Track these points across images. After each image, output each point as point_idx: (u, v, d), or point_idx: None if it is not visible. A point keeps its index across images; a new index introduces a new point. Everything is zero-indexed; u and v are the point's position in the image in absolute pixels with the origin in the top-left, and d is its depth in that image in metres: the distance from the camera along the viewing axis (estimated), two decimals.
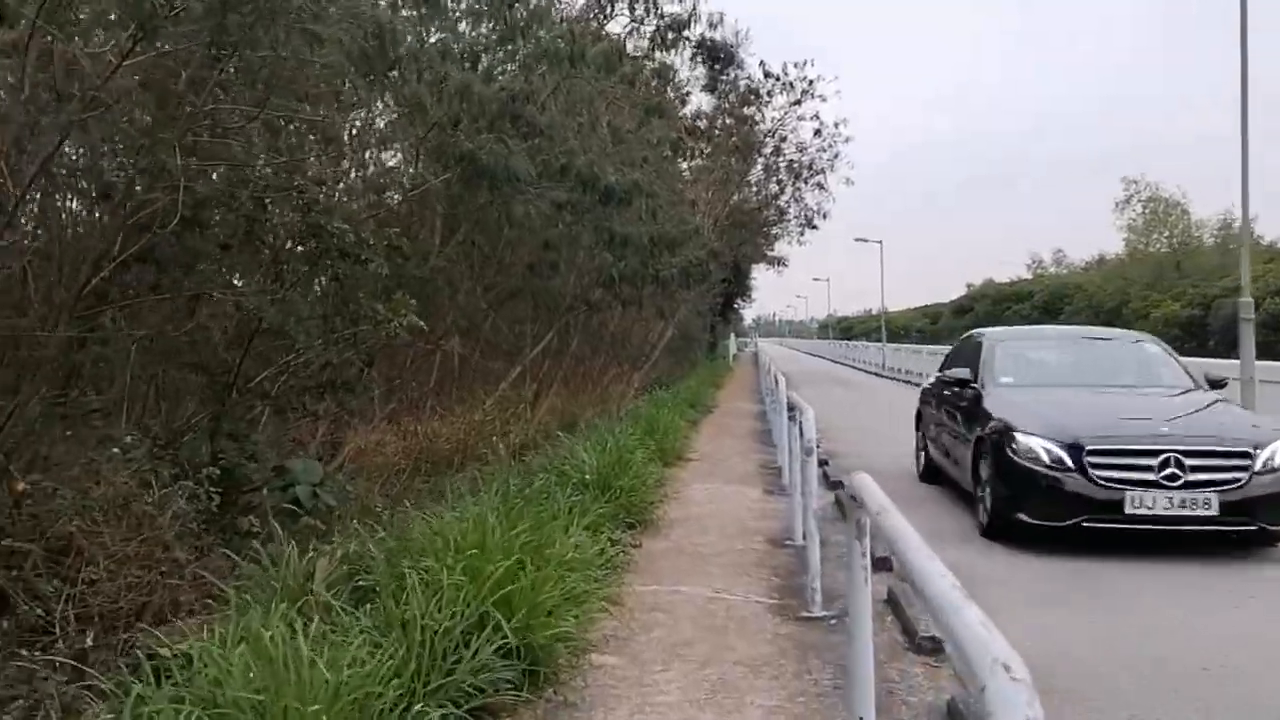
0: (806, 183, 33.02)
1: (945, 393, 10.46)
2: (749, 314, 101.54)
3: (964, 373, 9.82)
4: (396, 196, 13.16)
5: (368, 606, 4.35)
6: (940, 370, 11.59)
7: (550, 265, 13.42)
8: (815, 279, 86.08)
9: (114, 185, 7.26)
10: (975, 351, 10.17)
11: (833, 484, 10.06)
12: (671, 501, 9.31)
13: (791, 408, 7.55)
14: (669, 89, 23.49)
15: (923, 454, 11.39)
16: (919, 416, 11.85)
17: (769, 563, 6.84)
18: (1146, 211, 54.35)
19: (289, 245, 8.82)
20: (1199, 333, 43.32)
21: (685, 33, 16.38)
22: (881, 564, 6.53)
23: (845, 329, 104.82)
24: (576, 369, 23.60)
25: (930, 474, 10.95)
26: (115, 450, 6.46)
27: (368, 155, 12.77)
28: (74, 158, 7.45)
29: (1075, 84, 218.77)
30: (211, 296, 7.88)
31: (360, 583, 4.88)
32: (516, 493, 6.89)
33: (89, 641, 4.50)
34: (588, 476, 8.07)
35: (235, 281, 8.45)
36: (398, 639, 3.63)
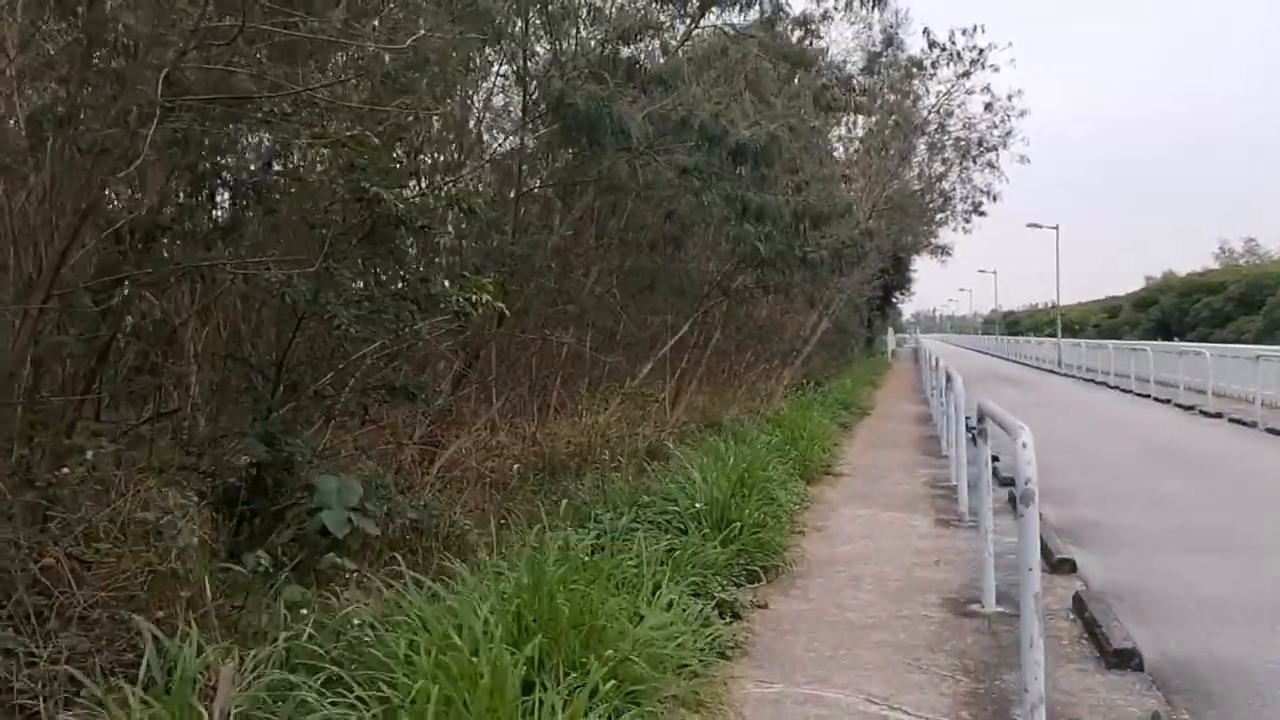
0: (975, 161, 30.01)
1: None
2: (908, 308, 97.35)
3: None
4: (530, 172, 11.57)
5: None
6: None
7: (674, 242, 11.50)
8: (981, 270, 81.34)
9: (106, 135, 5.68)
10: None
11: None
12: (813, 535, 7.25)
13: (980, 419, 5.39)
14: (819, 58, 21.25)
15: None
16: None
17: (951, 644, 4.73)
18: None
19: (328, 212, 7.23)
20: None
21: None
22: (1106, 643, 4.34)
23: (1011, 324, 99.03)
24: (720, 364, 21.97)
25: None
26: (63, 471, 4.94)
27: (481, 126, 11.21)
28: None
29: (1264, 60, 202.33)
30: (225, 273, 6.35)
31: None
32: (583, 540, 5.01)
33: None
34: (698, 505, 6.12)
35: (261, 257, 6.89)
36: None
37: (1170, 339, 51.73)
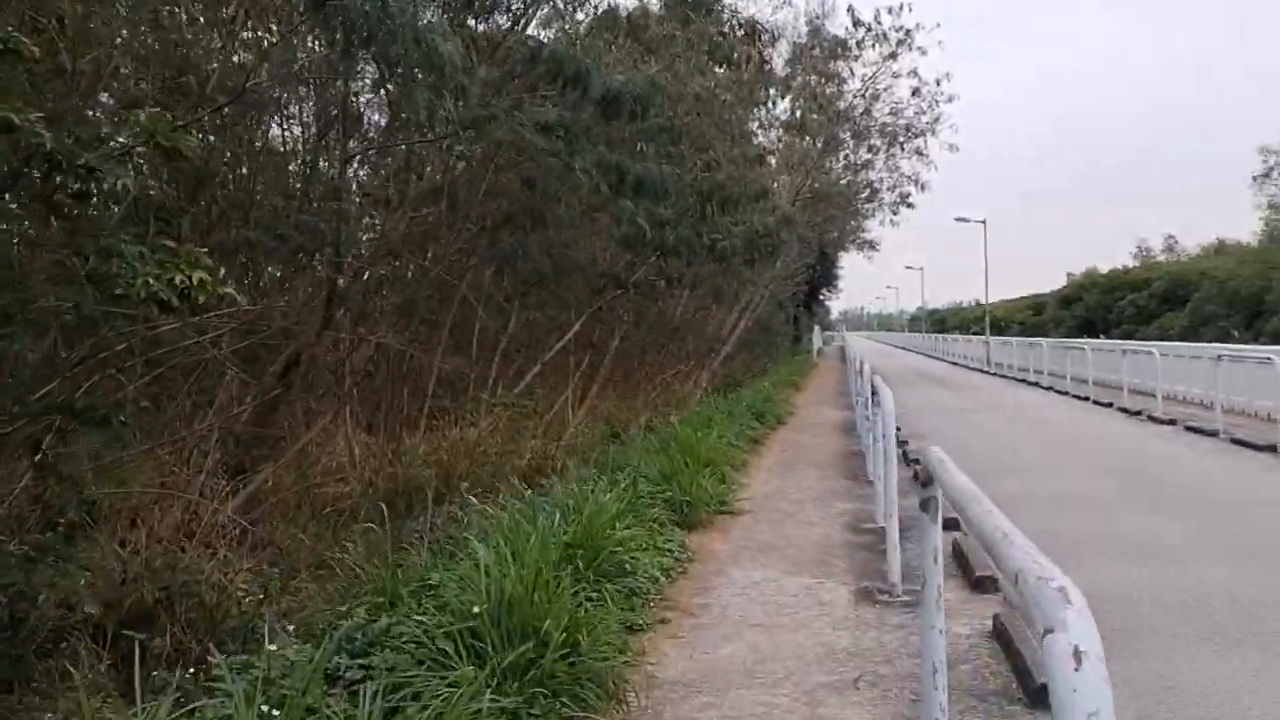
0: (903, 148, 28.19)
1: None
2: (836, 306, 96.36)
3: None
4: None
5: None
6: None
7: (532, 217, 9.20)
8: (908, 267, 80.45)
9: None
10: None
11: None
12: (678, 628, 5.00)
13: (927, 482, 3.16)
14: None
15: None
16: None
17: None
18: None
19: None
20: None
21: None
22: None
23: (937, 322, 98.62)
24: (631, 366, 20.06)
25: None
26: None
27: None
28: None
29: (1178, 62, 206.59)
30: None
31: None
32: None
33: None
34: (479, 608, 3.83)
35: None
36: None
37: (1095, 336, 50.87)
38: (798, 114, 27.13)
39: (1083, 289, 72.03)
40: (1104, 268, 75.49)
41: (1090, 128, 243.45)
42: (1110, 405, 18.31)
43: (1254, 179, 48.81)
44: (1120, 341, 29.11)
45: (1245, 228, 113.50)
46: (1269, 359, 13.60)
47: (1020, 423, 16.33)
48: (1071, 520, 7.57)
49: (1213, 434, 13.34)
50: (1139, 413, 16.71)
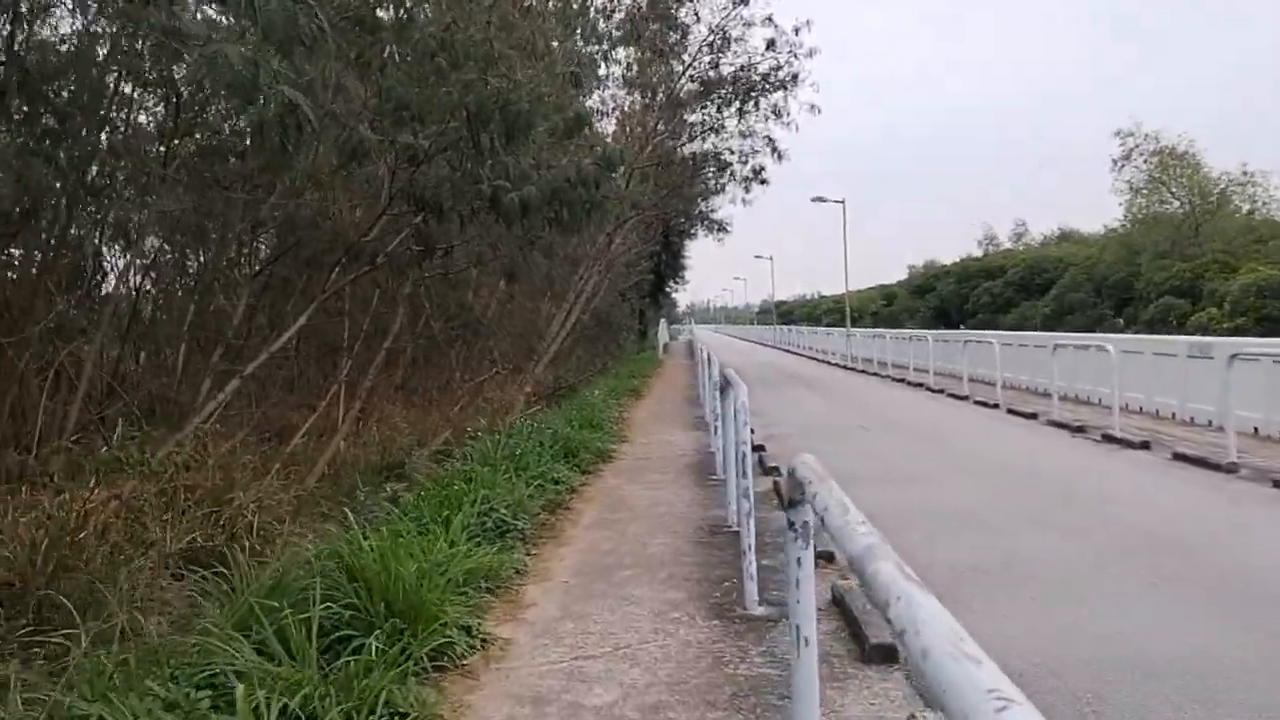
0: (759, 105, 23.70)
1: None
2: (683, 298, 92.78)
3: None
4: None
5: None
6: None
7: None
8: (757, 256, 77.34)
9: None
10: None
11: None
12: None
13: None
14: None
15: None
16: None
17: None
18: (1152, 166, 45.67)
19: None
20: None
21: None
22: None
23: (785, 313, 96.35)
24: (428, 373, 15.48)
25: None
26: None
27: None
28: None
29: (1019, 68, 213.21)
30: None
31: None
32: None
33: None
34: None
35: None
36: None
37: (953, 326, 48.34)
38: (634, 67, 22.55)
39: (936, 278, 70.24)
40: (946, 258, 74.17)
41: (924, 120, 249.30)
42: (1035, 417, 14.16)
43: (1114, 162, 46.89)
44: (1038, 334, 25.33)
45: (1089, 218, 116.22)
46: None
47: (939, 452, 11.88)
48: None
49: (1229, 470, 9.15)
50: (1080, 429, 12.57)
